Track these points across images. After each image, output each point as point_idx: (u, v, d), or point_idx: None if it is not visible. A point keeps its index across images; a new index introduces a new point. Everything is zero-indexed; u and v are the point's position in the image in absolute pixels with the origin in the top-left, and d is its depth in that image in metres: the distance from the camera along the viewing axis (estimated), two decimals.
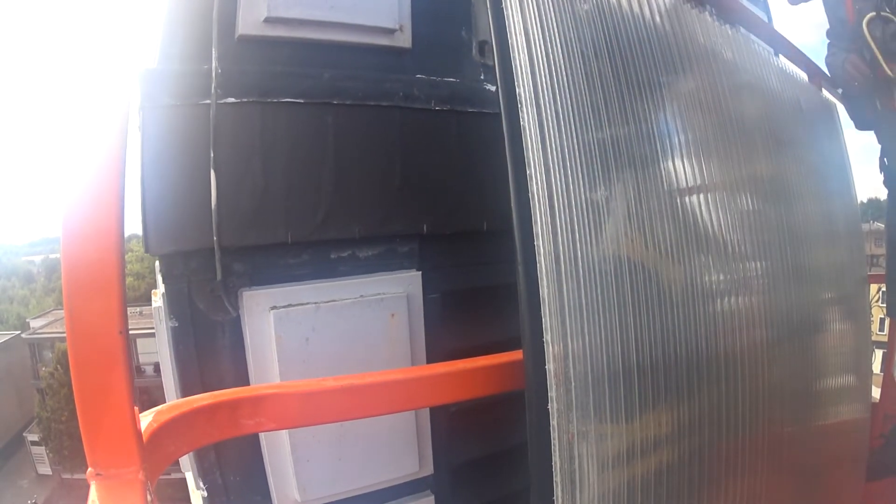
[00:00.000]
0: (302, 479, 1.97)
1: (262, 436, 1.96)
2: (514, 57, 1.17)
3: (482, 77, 2.33)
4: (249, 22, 1.91)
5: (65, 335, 0.86)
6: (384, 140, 2.10)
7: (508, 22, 1.18)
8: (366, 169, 2.08)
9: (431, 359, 2.15)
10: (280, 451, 1.97)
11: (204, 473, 1.98)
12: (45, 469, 29.21)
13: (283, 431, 1.93)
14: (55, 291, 38.45)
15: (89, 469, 0.91)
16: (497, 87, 1.19)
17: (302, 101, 1.97)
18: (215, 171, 1.85)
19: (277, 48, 1.98)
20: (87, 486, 0.92)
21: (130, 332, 0.92)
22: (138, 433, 0.93)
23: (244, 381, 1.93)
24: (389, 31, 2.10)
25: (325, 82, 2.01)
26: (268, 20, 1.91)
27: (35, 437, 29.24)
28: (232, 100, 1.88)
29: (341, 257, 2.08)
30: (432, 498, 2.25)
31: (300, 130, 1.98)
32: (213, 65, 1.85)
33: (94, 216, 0.83)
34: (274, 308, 1.92)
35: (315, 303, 1.96)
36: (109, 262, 0.83)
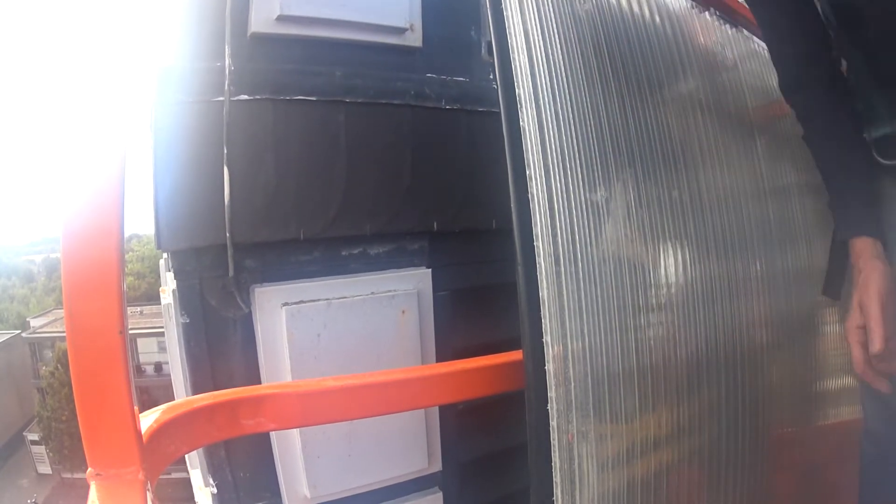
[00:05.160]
0: (312, 475, 1.97)
1: (272, 433, 1.97)
2: (513, 57, 1.17)
3: (491, 76, 2.33)
4: (262, 20, 1.92)
5: (65, 335, 0.87)
6: (395, 138, 2.11)
7: (508, 22, 1.19)
8: (377, 166, 2.09)
9: (441, 356, 2.16)
10: (290, 447, 1.97)
11: (214, 470, 2.00)
12: (45, 468, 29.16)
13: (294, 429, 1.94)
14: (55, 291, 38.28)
15: (89, 469, 0.92)
16: (497, 88, 1.19)
17: (314, 98, 1.98)
18: (228, 168, 1.86)
19: (290, 46, 1.98)
20: (87, 486, 0.92)
21: (130, 332, 0.93)
22: (138, 433, 0.94)
23: (255, 377, 1.94)
24: (400, 30, 2.11)
25: (337, 80, 2.02)
26: (280, 18, 1.92)
27: (35, 437, 29.17)
28: (245, 97, 1.89)
29: (352, 254, 2.09)
30: (440, 495, 2.25)
31: (312, 128, 1.99)
32: (227, 62, 1.86)
33: (94, 216, 0.84)
34: (286, 304, 1.92)
35: (327, 299, 1.97)
36: (109, 262, 0.84)
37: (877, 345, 1.20)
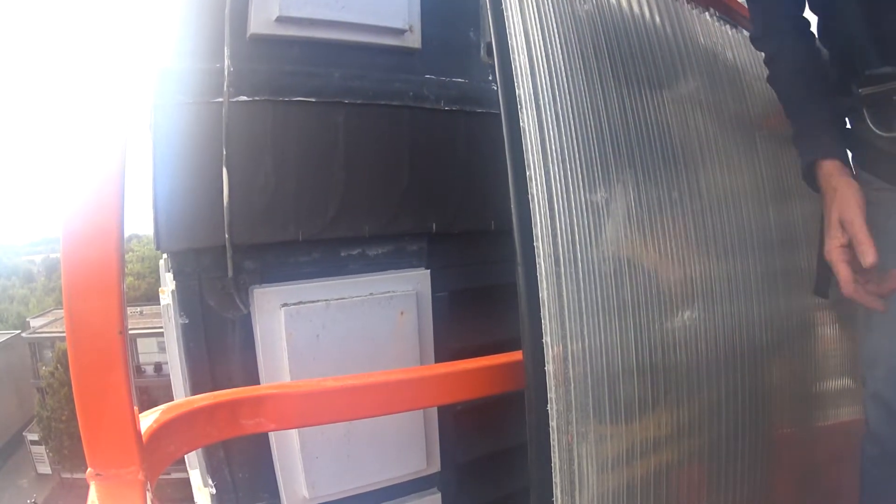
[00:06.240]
0: (311, 476, 1.97)
1: (271, 434, 1.96)
2: (514, 58, 1.18)
3: (490, 78, 2.33)
4: (261, 21, 1.92)
5: (65, 335, 0.87)
6: (394, 139, 2.11)
7: (508, 23, 1.19)
8: (376, 167, 2.09)
9: (440, 357, 2.15)
10: (289, 448, 1.97)
11: (213, 471, 1.99)
12: (44, 468, 29.21)
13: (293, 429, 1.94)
14: (55, 291, 38.37)
15: (89, 469, 0.92)
16: (497, 88, 1.19)
17: (313, 99, 1.98)
18: (227, 169, 1.86)
19: (289, 47, 1.98)
20: (87, 486, 0.92)
21: (130, 332, 0.92)
22: (138, 433, 0.94)
23: (254, 378, 1.94)
24: (399, 32, 2.11)
25: (336, 81, 2.02)
26: (279, 19, 1.92)
27: (35, 437, 29.22)
28: (244, 98, 1.89)
29: (351, 255, 2.09)
30: (439, 495, 2.25)
31: (311, 129, 1.99)
32: (226, 63, 1.86)
33: (94, 216, 0.83)
34: (285, 305, 1.92)
35: (325, 300, 1.97)
36: (109, 262, 0.83)
37: (870, 257, 1.14)
